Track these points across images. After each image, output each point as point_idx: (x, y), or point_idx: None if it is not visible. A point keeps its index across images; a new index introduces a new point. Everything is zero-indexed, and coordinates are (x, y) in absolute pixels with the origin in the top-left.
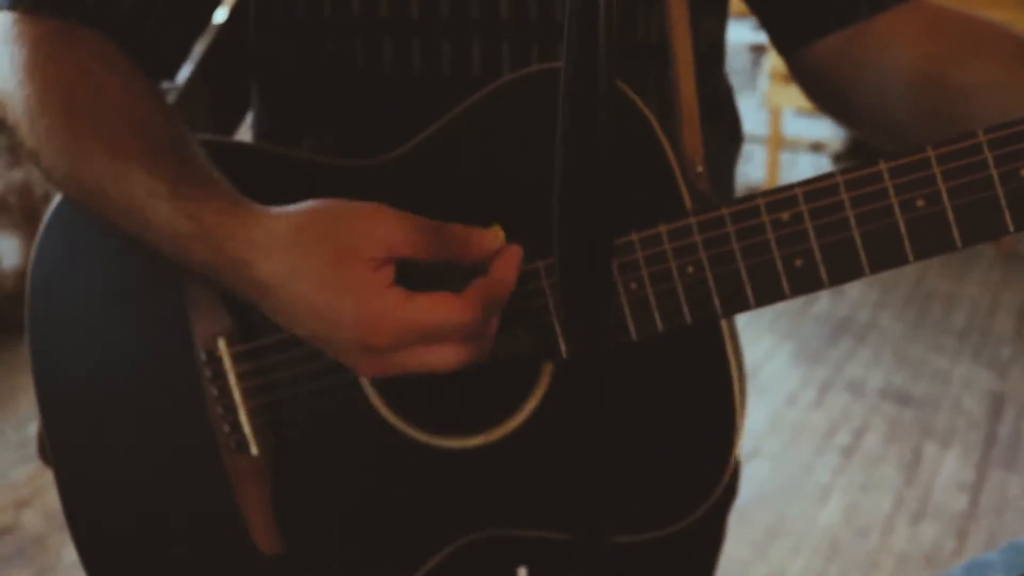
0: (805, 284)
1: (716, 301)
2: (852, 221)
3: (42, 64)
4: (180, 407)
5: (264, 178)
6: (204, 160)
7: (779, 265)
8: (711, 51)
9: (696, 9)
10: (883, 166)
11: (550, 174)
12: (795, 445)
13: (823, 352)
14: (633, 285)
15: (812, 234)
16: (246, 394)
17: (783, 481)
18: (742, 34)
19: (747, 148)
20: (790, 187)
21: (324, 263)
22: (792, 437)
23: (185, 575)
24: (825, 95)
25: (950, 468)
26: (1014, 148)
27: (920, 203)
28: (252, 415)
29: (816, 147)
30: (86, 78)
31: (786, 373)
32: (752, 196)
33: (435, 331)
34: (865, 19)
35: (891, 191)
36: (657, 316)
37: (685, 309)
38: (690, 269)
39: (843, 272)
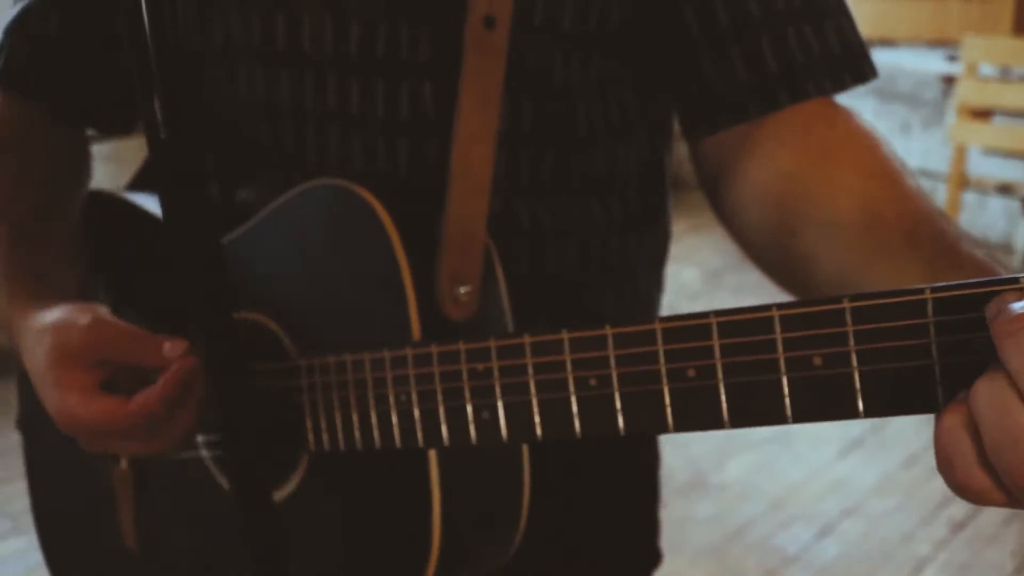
0: (489, 437)
1: (419, 436)
2: (532, 386)
3: None
4: None
5: (124, 232)
6: (47, 246)
7: (470, 413)
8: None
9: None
10: (565, 335)
11: (323, 278)
12: (901, 510)
13: None
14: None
15: (498, 390)
16: None
17: (877, 545)
18: (933, 63)
19: (929, 184)
20: (489, 340)
21: (44, 363)
22: (901, 501)
23: (97, 562)
24: (711, 196)
25: None
26: (684, 346)
27: (592, 382)
28: None
29: (1005, 189)
30: None
31: (912, 432)
32: (481, 340)
33: (111, 429)
34: (753, 119)
35: (568, 364)
36: (376, 435)
37: (396, 435)
38: (403, 398)
39: (521, 436)
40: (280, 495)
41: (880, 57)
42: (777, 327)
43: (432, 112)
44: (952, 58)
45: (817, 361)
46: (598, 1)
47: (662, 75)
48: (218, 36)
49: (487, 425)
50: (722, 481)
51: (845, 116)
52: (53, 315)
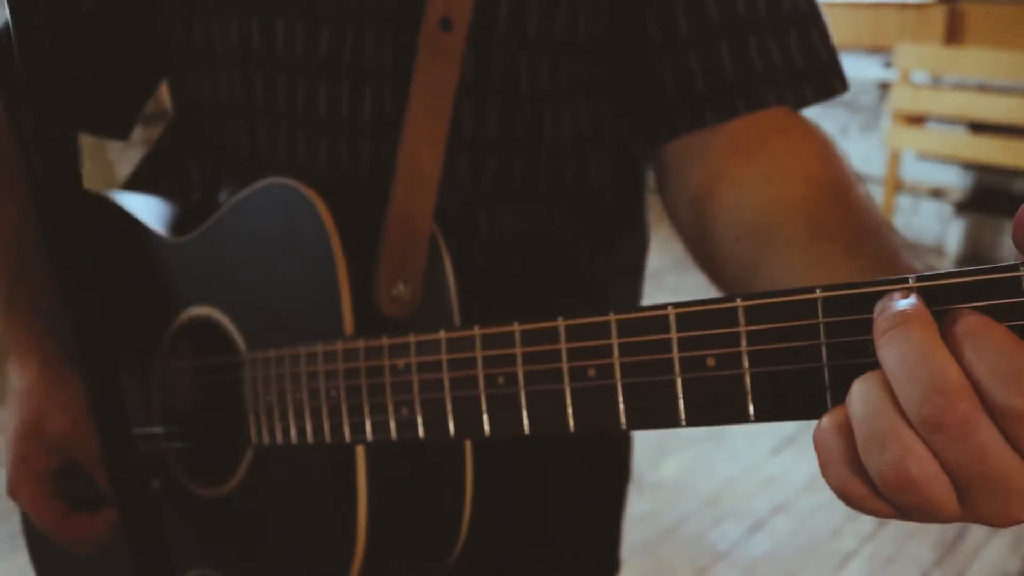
0: (408, 434)
1: (346, 432)
2: (446, 383)
3: None
4: None
5: (105, 230)
6: (39, 291)
7: (390, 408)
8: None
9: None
10: (476, 331)
11: (270, 274)
12: (830, 506)
13: None
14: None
15: (416, 387)
16: None
17: (805, 542)
18: (870, 69)
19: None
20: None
21: (19, 418)
22: (830, 497)
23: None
24: (668, 203)
25: (993, 555)
26: (699, 332)
27: (501, 380)
28: None
29: (937, 193)
30: None
31: None
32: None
33: (40, 523)
34: (710, 125)
35: (479, 361)
36: (308, 430)
37: (326, 430)
38: (333, 392)
39: (437, 433)
40: (225, 488)
41: None
42: (673, 326)
43: (391, 114)
44: (888, 65)
45: (711, 362)
46: (564, 8)
47: (627, 81)
48: (200, 45)
49: (406, 422)
50: (658, 479)
51: (802, 127)
52: (49, 384)
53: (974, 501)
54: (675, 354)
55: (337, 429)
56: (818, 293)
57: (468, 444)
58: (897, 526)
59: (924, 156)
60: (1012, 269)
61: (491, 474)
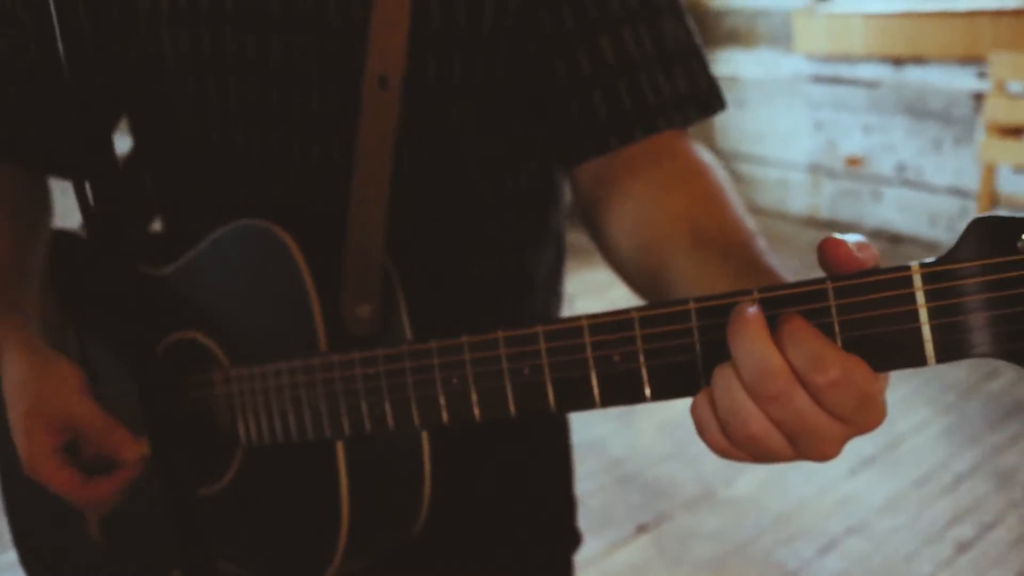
0: (381, 428)
1: (325, 427)
2: (410, 386)
3: None
4: None
5: (84, 269)
6: (21, 289)
7: (364, 409)
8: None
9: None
10: (433, 344)
11: (248, 301)
12: (908, 529)
13: (981, 434)
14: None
15: (385, 389)
16: None
17: (878, 565)
18: (964, 80)
19: (961, 202)
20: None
21: (19, 406)
22: (908, 520)
23: (66, 554)
24: (584, 221)
25: None
26: (608, 337)
27: (455, 380)
28: None
29: None
30: None
31: (929, 451)
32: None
33: (60, 491)
34: (614, 149)
35: (436, 368)
36: (293, 428)
37: (308, 427)
38: (311, 398)
39: (404, 425)
40: (216, 487)
41: (911, 75)
42: (586, 333)
43: (336, 158)
44: (982, 75)
45: (616, 358)
46: (483, 57)
47: (538, 114)
48: (160, 93)
49: (378, 418)
50: (730, 496)
51: (687, 149)
52: (37, 366)
53: (800, 445)
54: (589, 354)
55: (318, 427)
56: (691, 304)
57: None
58: (979, 552)
59: (1020, 169)
60: (820, 282)
61: (443, 453)
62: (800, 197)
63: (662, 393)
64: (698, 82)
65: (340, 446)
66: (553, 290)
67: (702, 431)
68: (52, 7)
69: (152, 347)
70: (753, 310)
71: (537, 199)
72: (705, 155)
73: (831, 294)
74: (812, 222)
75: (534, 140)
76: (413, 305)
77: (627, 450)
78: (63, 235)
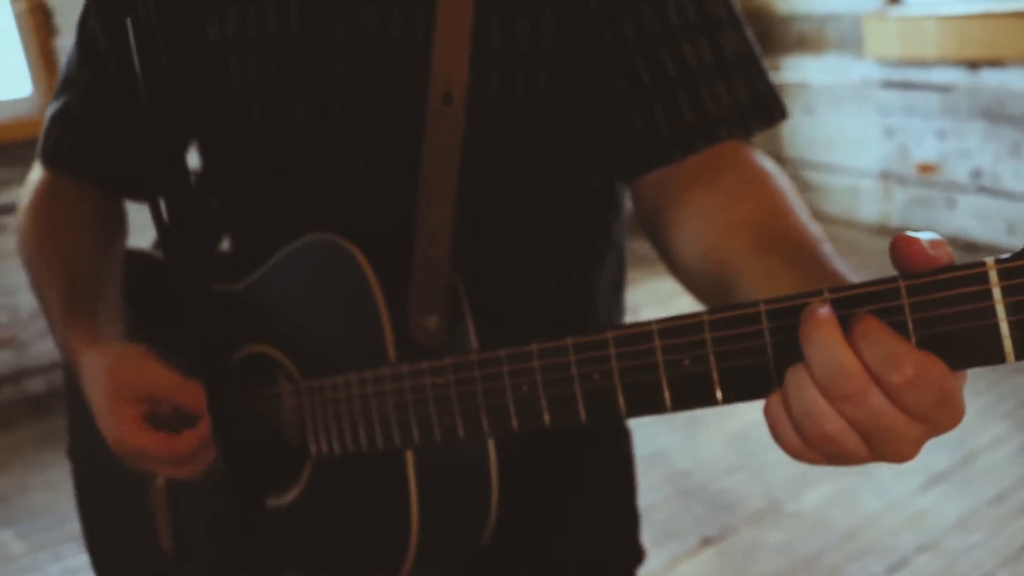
0: (450, 438)
1: (396, 438)
2: (479, 395)
3: (35, 206)
4: None
5: (157, 287)
6: (96, 298)
7: (434, 418)
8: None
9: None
10: (502, 352)
11: (318, 315)
12: (983, 547)
13: None
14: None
15: (455, 399)
16: None
17: None
18: None
19: None
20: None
21: (100, 393)
22: (983, 538)
23: (138, 566)
24: (647, 233)
25: None
26: (678, 340)
27: (596, 376)
28: None
29: None
30: (52, 226)
31: (1006, 468)
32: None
33: (154, 457)
34: (675, 160)
35: (506, 375)
36: (363, 439)
37: (378, 439)
38: (382, 408)
39: (474, 435)
40: (286, 499)
41: (988, 78)
42: (656, 338)
43: (401, 176)
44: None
45: (687, 362)
46: (544, 72)
47: (600, 127)
48: (230, 116)
49: (448, 427)
50: (797, 510)
51: (749, 157)
52: (110, 356)
53: (876, 446)
54: (659, 358)
55: (388, 438)
56: (761, 307)
57: (491, 441)
58: None
59: None
60: (892, 281)
61: (507, 464)
62: (870, 205)
63: (734, 396)
64: (759, 92)
65: (410, 456)
66: (615, 302)
67: (776, 432)
68: (131, 32)
69: (222, 363)
70: (825, 310)
71: (599, 212)
72: (768, 163)
73: (904, 292)
74: (883, 230)
75: (596, 154)
76: (477, 317)
77: (692, 462)
78: (135, 254)
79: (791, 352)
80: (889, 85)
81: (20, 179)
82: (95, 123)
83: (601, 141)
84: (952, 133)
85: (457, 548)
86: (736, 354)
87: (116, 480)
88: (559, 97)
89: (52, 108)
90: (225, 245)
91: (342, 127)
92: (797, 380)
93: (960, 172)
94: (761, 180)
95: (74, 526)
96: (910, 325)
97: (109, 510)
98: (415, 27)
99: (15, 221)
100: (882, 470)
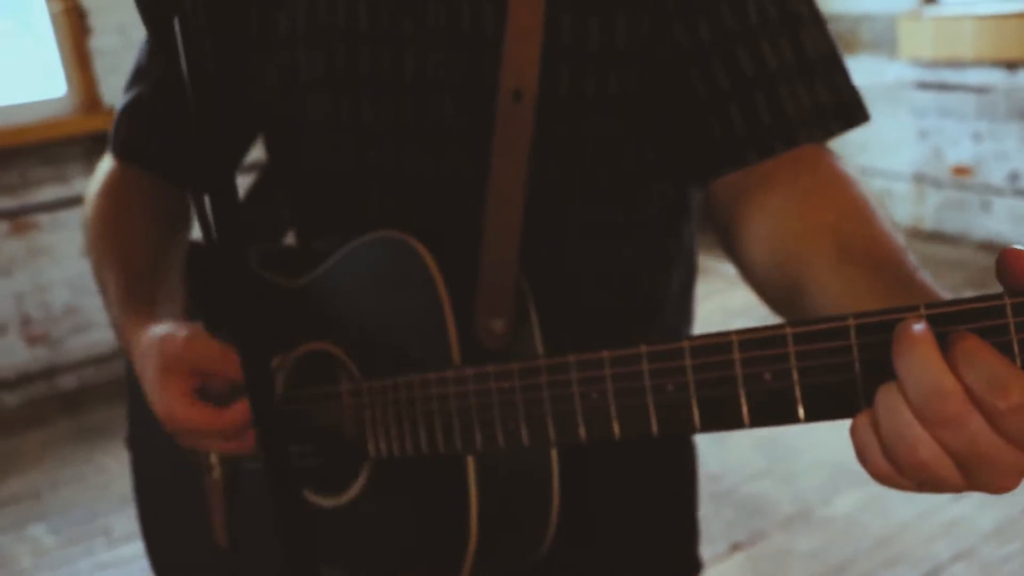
0: (513, 444)
1: (458, 442)
2: (546, 401)
3: (102, 194)
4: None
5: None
6: (153, 284)
7: (498, 424)
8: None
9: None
10: (571, 358)
11: (381, 313)
12: (1021, 558)
13: None
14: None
15: (520, 405)
16: None
17: None
18: None
19: None
20: (528, 364)
21: (152, 371)
22: (1020, 549)
23: (193, 558)
24: (719, 236)
25: None
26: (759, 353)
27: (594, 396)
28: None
29: None
30: (117, 213)
31: None
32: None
33: (205, 431)
34: (751, 164)
35: (575, 382)
36: (424, 442)
37: (440, 441)
38: (444, 412)
39: (539, 443)
40: (346, 498)
41: None
42: (735, 349)
43: (469, 174)
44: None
45: (767, 376)
46: (616, 71)
47: (673, 129)
48: (296, 113)
49: (512, 433)
50: (829, 515)
51: (828, 162)
52: (159, 331)
53: (973, 475)
54: (738, 371)
55: (450, 442)
56: (851, 321)
57: (553, 449)
58: None
59: None
60: (997, 298)
61: (571, 475)
62: (903, 207)
63: (817, 414)
64: (840, 93)
65: (471, 461)
66: (683, 311)
67: (863, 456)
68: (176, 27)
69: (267, 359)
70: (921, 327)
71: (669, 217)
72: (847, 168)
73: (1010, 311)
74: (916, 233)
75: (667, 157)
76: (542, 322)
77: (722, 466)
78: (198, 246)
79: (881, 371)
80: (924, 86)
81: (55, 178)
82: (163, 115)
83: (674, 143)
84: (988, 135)
85: (515, 557)
86: (821, 370)
87: (173, 470)
88: (631, 97)
89: (124, 98)
90: (289, 239)
91: (410, 124)
92: (889, 401)
93: (996, 175)
94: (841, 185)
95: (105, 521)
96: (1015, 347)
97: (166, 500)
98: (485, 23)
99: (49, 219)
100: None
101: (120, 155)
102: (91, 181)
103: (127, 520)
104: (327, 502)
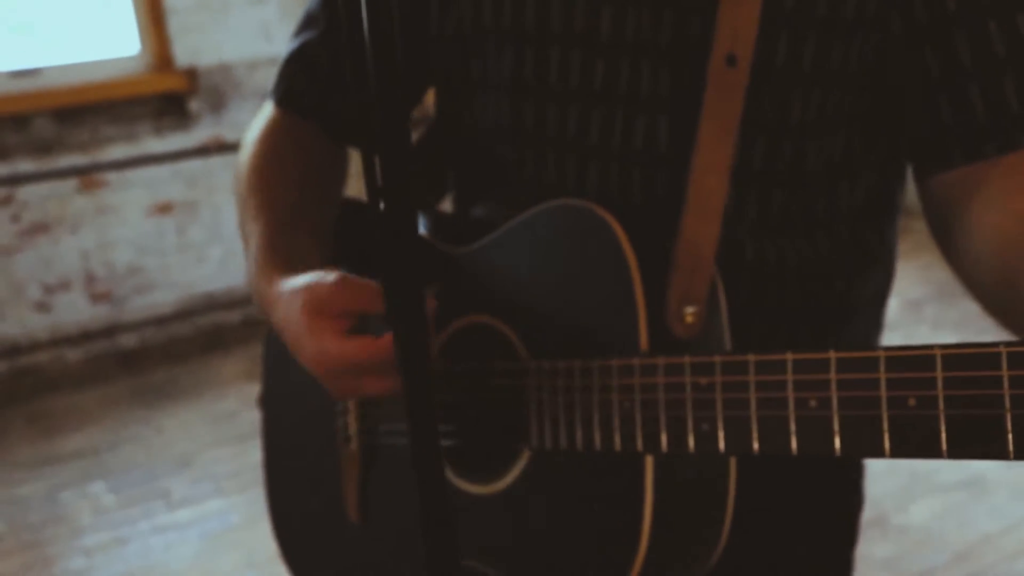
0: (706, 448)
1: (639, 441)
2: (752, 403)
3: (257, 142)
4: (327, 418)
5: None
6: (297, 237)
7: (689, 423)
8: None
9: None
10: (789, 356)
11: (558, 289)
12: None
13: None
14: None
15: (719, 404)
16: (360, 408)
17: None
18: None
19: None
20: (713, 356)
21: (299, 316)
22: None
23: (321, 531)
24: (937, 232)
25: None
26: (905, 374)
27: (813, 403)
28: (360, 424)
29: None
30: (269, 160)
31: None
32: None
33: (358, 365)
34: (989, 158)
35: (790, 385)
36: (597, 438)
37: (616, 439)
38: (626, 404)
39: (738, 448)
40: (498, 486)
41: None
42: (882, 366)
43: (665, 144)
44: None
45: (912, 401)
46: (840, 41)
47: (896, 112)
48: (475, 69)
49: (705, 436)
50: (904, 523)
51: None
52: (305, 278)
53: None
54: (883, 392)
55: (629, 439)
56: (1002, 348)
57: (733, 458)
58: None
59: None
60: None
61: (742, 489)
62: None
63: (960, 450)
64: None
65: (650, 462)
66: (876, 317)
67: None
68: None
69: (421, 332)
70: None
71: (873, 212)
72: None
73: None
74: None
75: (877, 145)
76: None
77: None
78: (351, 203)
79: None
80: None
81: (124, 137)
82: (328, 65)
83: (897, 129)
84: None
85: (681, 572)
86: (969, 401)
87: (308, 438)
88: (849, 74)
89: (291, 45)
90: (446, 205)
91: (601, 84)
92: None
93: None
94: None
95: (164, 483)
96: None
97: (297, 467)
98: None
99: (117, 177)
100: (996, 488)
101: (280, 102)
102: (251, 126)
103: (186, 484)
104: (473, 488)
